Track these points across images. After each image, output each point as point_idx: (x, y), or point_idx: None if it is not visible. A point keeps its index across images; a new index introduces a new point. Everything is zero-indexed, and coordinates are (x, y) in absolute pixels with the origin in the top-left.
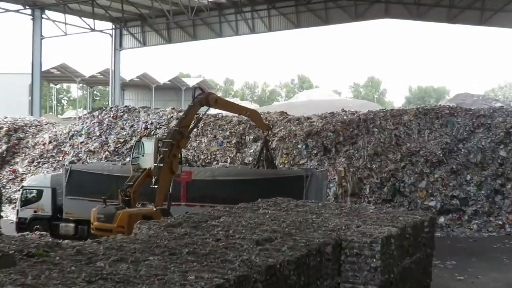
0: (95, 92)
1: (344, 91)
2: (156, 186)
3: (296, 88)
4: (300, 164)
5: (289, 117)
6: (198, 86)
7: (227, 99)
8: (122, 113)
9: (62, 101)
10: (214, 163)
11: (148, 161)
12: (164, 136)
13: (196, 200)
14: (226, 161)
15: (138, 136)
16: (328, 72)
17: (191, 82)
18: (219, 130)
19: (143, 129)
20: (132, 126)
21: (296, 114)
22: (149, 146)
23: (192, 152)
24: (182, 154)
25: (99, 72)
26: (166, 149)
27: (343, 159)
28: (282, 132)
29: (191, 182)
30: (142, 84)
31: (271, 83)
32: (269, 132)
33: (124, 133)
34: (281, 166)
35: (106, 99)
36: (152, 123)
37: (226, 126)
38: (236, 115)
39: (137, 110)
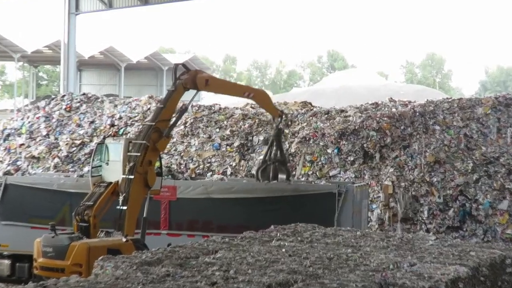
0: (40, 73)
1: (393, 73)
2: (125, 207)
3: (325, 69)
4: (329, 176)
5: (314, 109)
6: (182, 63)
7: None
8: (78, 104)
9: None
10: (209, 174)
11: (114, 171)
12: (136, 136)
13: (182, 227)
14: (225, 172)
15: (101, 137)
16: (369, 47)
17: (177, 59)
18: (215, 128)
19: (108, 127)
20: (93, 122)
21: (325, 105)
22: (116, 150)
23: (177, 159)
24: (162, 162)
25: (46, 46)
26: (139, 154)
27: (391, 169)
28: (305, 131)
29: (175, 202)
30: (108, 63)
31: (290, 62)
32: (283, 119)
33: (82, 132)
34: (303, 179)
35: (56, 83)
36: (121, 117)
37: (225, 122)
38: (239, 106)
39: (100, 100)
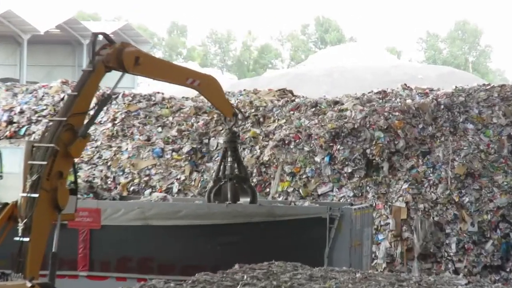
0: None
1: (408, 50)
2: (27, 239)
3: (312, 43)
4: (318, 195)
5: (296, 100)
6: (103, 33)
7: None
8: None
9: None
10: (147, 192)
11: (10, 188)
12: (41, 138)
13: (109, 266)
14: (170, 189)
15: None
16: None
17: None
18: (156, 127)
19: (4, 125)
20: None
21: (312, 94)
22: (13, 158)
23: (102, 171)
24: (80, 174)
25: None
26: (45, 162)
27: (405, 185)
28: (284, 131)
29: (99, 230)
30: (3, 34)
31: (262, 34)
32: (238, 121)
33: None
34: (280, 198)
35: None
36: (22, 111)
37: (170, 118)
38: (190, 96)
39: None
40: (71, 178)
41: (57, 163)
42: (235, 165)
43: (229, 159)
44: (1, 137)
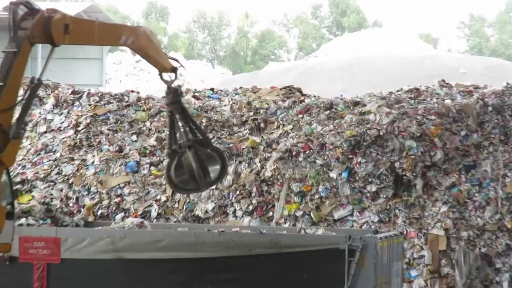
0: None
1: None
2: None
3: (326, 29)
4: (334, 220)
5: (306, 100)
6: (22, 1)
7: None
8: None
9: None
10: (118, 216)
11: None
12: None
13: None
14: (147, 213)
15: None
16: None
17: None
18: (129, 135)
19: None
20: None
21: (325, 93)
22: None
23: (62, 190)
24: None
25: None
26: None
27: (444, 207)
28: (290, 140)
29: (59, 266)
30: None
31: (263, 17)
32: (177, 75)
33: None
34: (286, 224)
35: None
36: None
37: (147, 123)
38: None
39: None
40: (5, 192)
41: None
42: (188, 129)
43: (179, 123)
44: None
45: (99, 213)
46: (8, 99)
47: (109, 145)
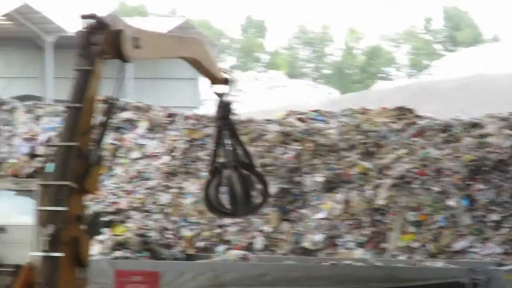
0: None
1: None
2: None
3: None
4: (454, 251)
5: (420, 122)
6: (92, 15)
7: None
8: None
9: None
10: (220, 248)
11: (19, 244)
12: (43, 174)
13: None
14: (251, 244)
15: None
16: None
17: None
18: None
19: (24, 158)
20: None
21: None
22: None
23: (159, 220)
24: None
25: None
26: (63, 208)
27: None
28: (403, 165)
29: None
30: (20, 35)
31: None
32: (232, 88)
33: None
34: (401, 257)
35: None
36: (50, 141)
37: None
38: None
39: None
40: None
41: (73, 205)
42: (235, 147)
43: (228, 141)
44: (20, 175)
45: (199, 245)
46: (85, 122)
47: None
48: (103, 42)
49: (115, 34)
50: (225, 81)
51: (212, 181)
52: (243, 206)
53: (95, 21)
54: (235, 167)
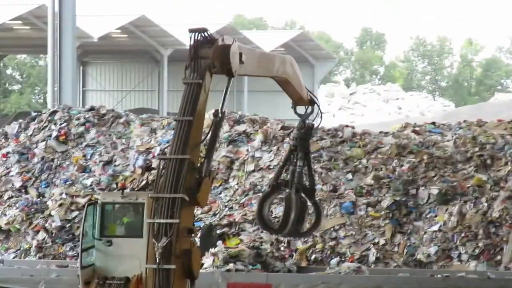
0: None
1: None
2: None
3: None
4: None
5: None
6: (202, 28)
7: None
8: (82, 128)
9: None
10: (334, 261)
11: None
12: (155, 186)
13: None
14: (365, 257)
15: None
16: None
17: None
18: (344, 173)
19: (139, 171)
20: (110, 162)
21: None
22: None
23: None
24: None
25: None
26: (175, 221)
27: None
28: None
29: None
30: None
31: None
32: (314, 110)
33: (90, 181)
34: None
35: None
36: (164, 153)
37: (364, 161)
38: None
39: (123, 120)
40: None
41: (184, 218)
42: (302, 170)
43: (298, 162)
44: (135, 187)
45: (312, 257)
46: (196, 135)
47: (323, 185)
48: (212, 56)
49: (224, 49)
50: (310, 103)
51: (271, 196)
52: (291, 229)
53: (204, 35)
54: (297, 189)
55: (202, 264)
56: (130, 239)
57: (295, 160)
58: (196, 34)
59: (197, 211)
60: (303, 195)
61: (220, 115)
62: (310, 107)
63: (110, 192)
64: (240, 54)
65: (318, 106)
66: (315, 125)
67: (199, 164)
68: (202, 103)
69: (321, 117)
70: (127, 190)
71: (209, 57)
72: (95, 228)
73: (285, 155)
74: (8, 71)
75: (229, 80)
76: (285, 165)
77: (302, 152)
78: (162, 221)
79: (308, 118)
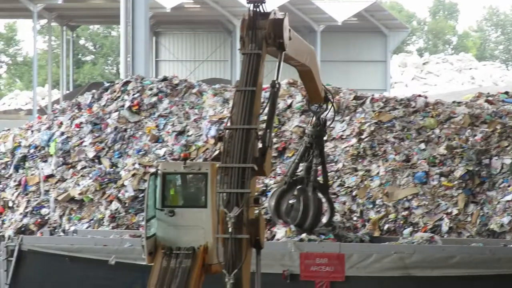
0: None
1: None
2: None
3: None
4: None
5: None
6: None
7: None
8: (155, 99)
9: None
10: (407, 231)
11: (189, 227)
12: (223, 156)
13: None
14: (437, 227)
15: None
16: None
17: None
18: (417, 143)
19: (212, 140)
20: (183, 132)
21: None
22: (189, 187)
23: (345, 203)
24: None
25: None
26: (246, 190)
27: None
28: None
29: (343, 283)
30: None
31: None
32: (330, 106)
33: (163, 151)
34: None
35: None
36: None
37: (437, 130)
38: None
39: (196, 90)
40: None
41: (252, 188)
42: (317, 167)
43: (314, 160)
44: (208, 158)
45: (385, 227)
46: (258, 105)
47: (395, 155)
48: (268, 28)
49: (279, 21)
50: (325, 100)
51: (286, 193)
52: (303, 224)
53: (261, 6)
54: (313, 187)
55: (274, 235)
56: (193, 209)
57: (310, 157)
58: (255, 4)
59: (270, 180)
60: (317, 193)
61: (277, 85)
62: (325, 104)
63: (172, 162)
64: (290, 30)
65: (332, 103)
66: (327, 122)
67: (263, 134)
68: (262, 75)
69: (334, 116)
70: (200, 160)
71: (265, 28)
72: (156, 198)
73: (300, 152)
74: (81, 42)
75: (281, 54)
76: (300, 162)
77: (318, 149)
78: (233, 191)
79: (322, 114)
